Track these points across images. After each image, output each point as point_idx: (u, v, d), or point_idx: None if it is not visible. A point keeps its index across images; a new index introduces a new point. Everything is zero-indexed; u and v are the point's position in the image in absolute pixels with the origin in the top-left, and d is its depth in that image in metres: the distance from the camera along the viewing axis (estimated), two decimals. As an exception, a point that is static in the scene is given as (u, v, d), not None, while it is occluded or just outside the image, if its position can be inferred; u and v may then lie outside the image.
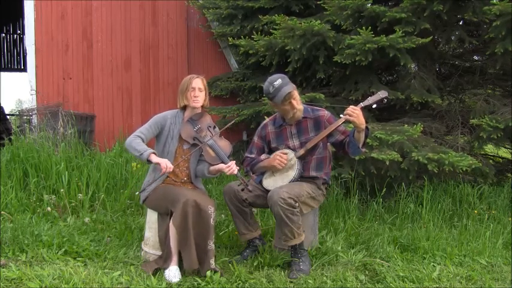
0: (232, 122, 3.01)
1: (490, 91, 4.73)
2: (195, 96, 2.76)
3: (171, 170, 2.61)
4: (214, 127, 2.85)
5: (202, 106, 2.84)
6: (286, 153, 2.80)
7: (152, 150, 2.63)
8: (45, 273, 2.46)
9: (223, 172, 2.71)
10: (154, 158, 2.61)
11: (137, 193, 2.82)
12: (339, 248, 3.04)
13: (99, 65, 5.92)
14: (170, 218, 2.58)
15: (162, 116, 2.83)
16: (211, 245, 2.55)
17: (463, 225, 3.69)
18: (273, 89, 2.73)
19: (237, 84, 5.59)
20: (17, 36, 12.40)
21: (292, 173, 2.77)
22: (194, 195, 2.59)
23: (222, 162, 2.71)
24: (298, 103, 2.79)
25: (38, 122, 5.14)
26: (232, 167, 2.66)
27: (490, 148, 4.84)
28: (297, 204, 2.62)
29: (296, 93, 2.79)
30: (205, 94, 2.82)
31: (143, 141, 2.73)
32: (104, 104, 5.95)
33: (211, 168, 2.75)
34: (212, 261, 2.53)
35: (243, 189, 2.72)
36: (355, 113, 2.53)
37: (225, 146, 2.79)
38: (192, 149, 2.80)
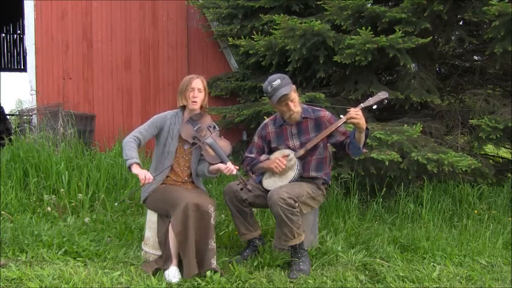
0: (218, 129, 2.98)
1: (490, 91, 4.73)
2: (194, 97, 2.75)
3: (150, 180, 2.57)
4: (214, 127, 2.84)
5: (201, 107, 2.84)
6: (286, 156, 2.80)
7: (136, 161, 2.59)
8: (45, 273, 2.46)
9: (222, 172, 2.70)
10: (135, 169, 2.57)
11: (122, 199, 2.78)
12: (339, 248, 3.05)
13: (99, 65, 5.92)
14: (170, 221, 2.58)
15: (162, 117, 2.82)
16: (212, 244, 2.55)
17: (463, 225, 3.69)
18: (271, 88, 2.74)
19: (237, 84, 5.59)
20: (17, 36, 12.40)
21: (292, 173, 2.77)
22: (194, 197, 2.58)
23: (222, 162, 2.71)
24: (295, 105, 2.79)
25: (38, 122, 5.14)
26: (230, 167, 2.64)
27: (490, 148, 4.84)
28: (296, 204, 2.62)
29: (294, 95, 2.78)
30: (205, 95, 2.81)
31: (141, 142, 2.72)
32: (104, 104, 5.95)
33: (211, 167, 2.75)
34: (213, 260, 2.54)
35: (242, 189, 2.72)
36: (358, 115, 2.53)
37: (224, 145, 2.78)
38: (193, 150, 2.80)
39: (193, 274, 2.48)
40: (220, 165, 2.69)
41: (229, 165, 2.65)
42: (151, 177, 2.58)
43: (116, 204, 2.74)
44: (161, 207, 2.68)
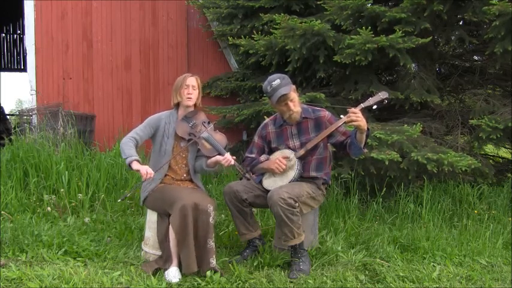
0: (214, 122, 3.00)
1: (490, 91, 4.73)
2: (188, 93, 2.80)
3: (151, 176, 2.60)
4: (209, 122, 2.88)
5: (195, 105, 2.88)
6: (287, 157, 2.80)
7: (136, 158, 2.62)
8: (45, 273, 2.46)
9: (220, 164, 2.73)
10: (135, 165, 2.60)
11: (125, 195, 2.81)
12: (339, 248, 3.05)
13: (99, 65, 5.92)
14: (169, 221, 2.58)
15: (157, 117, 2.86)
16: (211, 243, 2.55)
17: (463, 225, 3.69)
18: (271, 88, 2.75)
19: (237, 84, 5.59)
20: (17, 36, 12.41)
21: (292, 173, 2.77)
22: (192, 196, 2.59)
23: (219, 154, 2.73)
24: (295, 105, 2.79)
25: (38, 122, 5.14)
26: (228, 158, 2.68)
27: (490, 148, 4.84)
28: (296, 204, 2.62)
29: (294, 95, 2.78)
30: (199, 93, 2.87)
31: (138, 142, 2.76)
32: (104, 104, 5.95)
33: (209, 161, 2.77)
34: (212, 260, 2.54)
35: (241, 179, 2.73)
36: (358, 116, 2.52)
37: (220, 139, 2.82)
38: (189, 146, 2.82)
39: (192, 271, 2.48)
40: (218, 157, 2.72)
41: (227, 156, 2.68)
42: (153, 172, 2.61)
43: (119, 200, 2.80)
44: (160, 207, 2.69)
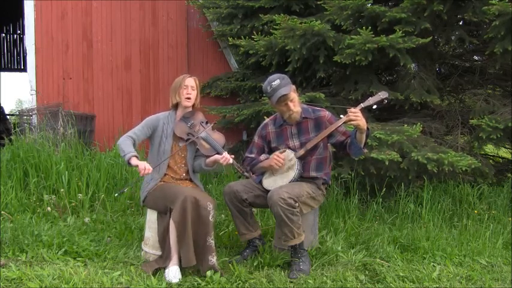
0: (214, 123, 3.02)
1: (490, 91, 4.73)
2: (187, 94, 2.82)
3: (149, 171, 2.62)
4: (207, 122, 2.90)
5: (193, 106, 2.90)
6: (283, 152, 2.81)
7: (134, 154, 2.65)
8: (45, 273, 2.46)
9: (219, 162, 2.75)
10: (134, 161, 2.63)
11: (122, 190, 2.85)
12: (339, 248, 3.05)
13: (99, 65, 5.92)
14: (170, 217, 2.59)
15: (155, 118, 2.88)
16: (211, 241, 2.56)
17: (463, 225, 3.69)
18: (271, 89, 2.75)
19: (237, 84, 5.59)
20: (17, 36, 12.42)
21: (292, 173, 2.77)
22: (193, 192, 2.61)
23: (217, 153, 2.75)
24: (295, 105, 2.79)
25: (38, 122, 5.14)
26: (226, 157, 2.70)
27: (490, 148, 4.84)
28: (296, 204, 2.62)
29: (294, 95, 2.79)
30: (197, 93, 2.89)
31: (135, 141, 2.78)
32: (104, 104, 5.95)
33: (208, 160, 2.79)
34: (212, 258, 2.54)
35: (240, 177, 2.75)
36: (357, 116, 2.53)
37: (218, 138, 2.84)
38: (187, 145, 2.84)
39: (191, 264, 2.50)
40: (217, 156, 2.74)
41: (225, 154, 2.71)
42: (151, 168, 2.63)
43: (116, 194, 2.85)
44: (161, 204, 2.70)
